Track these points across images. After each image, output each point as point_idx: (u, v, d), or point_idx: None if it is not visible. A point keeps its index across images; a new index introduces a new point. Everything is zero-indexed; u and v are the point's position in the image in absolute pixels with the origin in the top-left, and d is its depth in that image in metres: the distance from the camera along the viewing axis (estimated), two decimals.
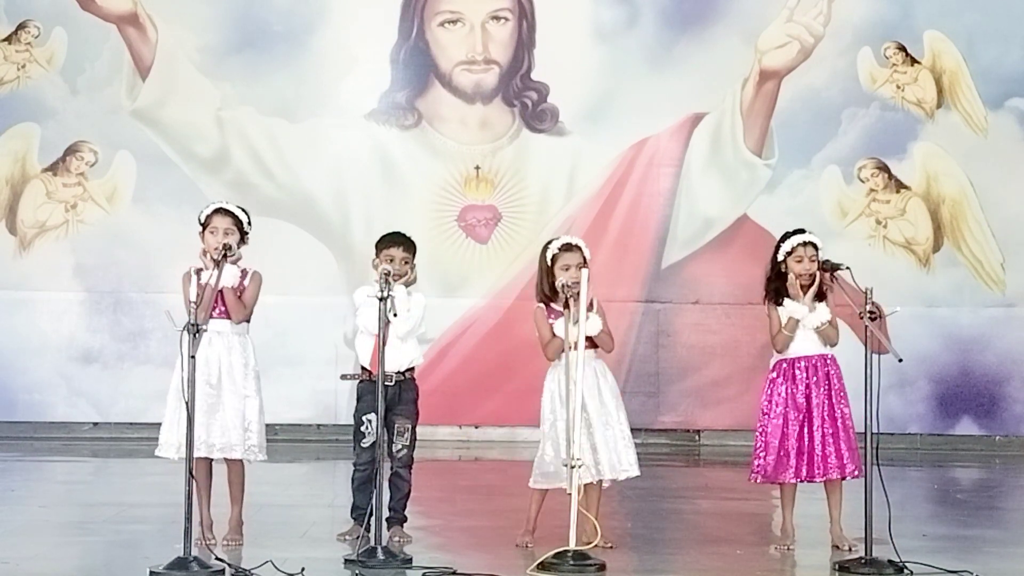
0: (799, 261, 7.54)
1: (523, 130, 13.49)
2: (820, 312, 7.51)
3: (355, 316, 7.74)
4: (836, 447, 7.51)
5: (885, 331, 7.28)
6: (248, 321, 7.49)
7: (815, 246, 7.56)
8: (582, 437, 7.19)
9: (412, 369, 7.73)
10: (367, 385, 7.60)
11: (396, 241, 7.76)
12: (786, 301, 7.56)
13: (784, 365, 7.62)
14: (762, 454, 7.60)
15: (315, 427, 12.97)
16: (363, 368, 7.68)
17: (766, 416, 7.61)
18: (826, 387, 7.56)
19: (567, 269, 7.42)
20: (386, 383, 7.35)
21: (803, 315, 7.51)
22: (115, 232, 13.19)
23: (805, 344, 7.59)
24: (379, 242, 7.80)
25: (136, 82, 13.26)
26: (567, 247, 7.50)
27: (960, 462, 12.67)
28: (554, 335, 7.41)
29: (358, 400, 7.73)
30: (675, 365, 13.38)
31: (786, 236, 7.64)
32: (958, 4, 13.63)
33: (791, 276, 7.54)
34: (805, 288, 7.54)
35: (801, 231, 7.63)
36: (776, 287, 7.63)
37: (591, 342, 7.35)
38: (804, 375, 7.57)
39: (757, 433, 7.64)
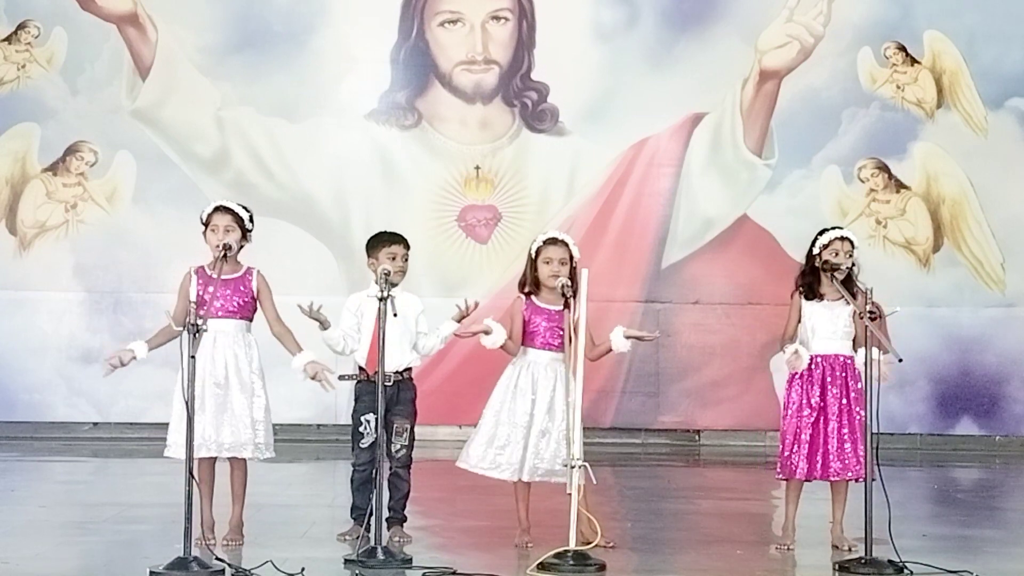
0: (835, 255, 7.58)
1: (523, 130, 13.49)
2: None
3: (332, 340, 7.71)
4: (854, 448, 7.51)
5: (885, 331, 7.29)
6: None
7: (852, 242, 7.62)
8: (516, 435, 7.42)
9: (410, 369, 7.74)
10: (365, 385, 7.61)
11: (396, 239, 7.75)
12: (798, 346, 7.58)
13: None
14: (781, 451, 7.64)
15: (315, 427, 12.97)
16: (360, 368, 7.68)
17: (786, 412, 7.64)
18: (843, 387, 7.57)
19: (548, 263, 7.49)
20: (385, 383, 7.35)
21: (801, 362, 7.54)
22: (115, 232, 13.20)
23: (825, 343, 7.60)
24: (376, 241, 7.76)
25: (136, 82, 13.26)
26: (551, 241, 7.58)
27: (960, 462, 12.68)
28: (511, 339, 7.51)
29: (356, 400, 7.72)
30: (675, 365, 13.38)
31: (823, 231, 7.70)
32: (958, 4, 13.64)
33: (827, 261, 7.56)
34: (836, 283, 7.57)
35: (839, 227, 7.75)
36: (809, 282, 7.66)
37: (562, 344, 7.39)
38: (820, 373, 7.59)
39: (781, 431, 7.69)
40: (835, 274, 7.50)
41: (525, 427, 7.47)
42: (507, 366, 7.67)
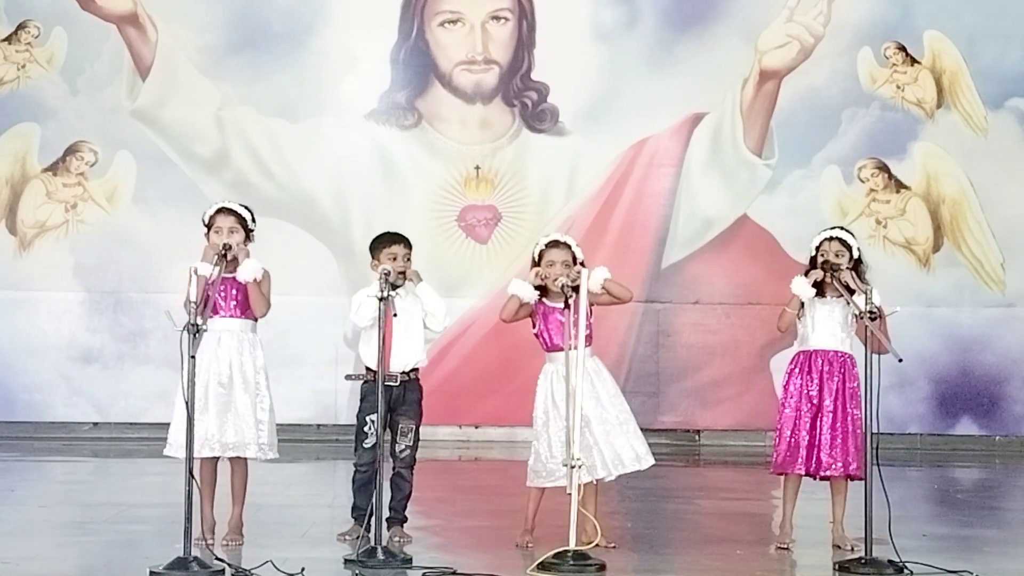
0: (824, 256, 7.61)
1: (523, 130, 13.49)
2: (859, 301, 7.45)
3: (353, 314, 7.69)
4: (844, 445, 7.52)
5: (885, 331, 7.29)
6: (264, 316, 7.53)
7: (841, 241, 7.62)
8: (580, 437, 7.22)
9: (416, 369, 7.73)
10: (371, 386, 7.59)
11: (397, 239, 7.76)
12: (795, 280, 7.60)
13: (801, 357, 7.68)
14: (777, 445, 7.65)
15: (315, 427, 12.98)
16: (368, 368, 7.67)
17: (783, 407, 7.65)
18: (840, 384, 7.58)
19: (551, 266, 7.48)
20: (391, 383, 7.36)
21: (806, 295, 7.53)
22: (115, 232, 13.20)
23: (825, 338, 7.61)
24: (377, 242, 7.78)
25: (136, 82, 13.26)
26: (553, 244, 7.58)
27: (960, 462, 12.68)
28: (512, 296, 7.49)
29: (362, 400, 7.71)
30: (675, 365, 13.38)
31: (822, 232, 7.74)
32: (958, 4, 13.64)
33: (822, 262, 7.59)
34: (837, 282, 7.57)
35: (837, 227, 7.78)
36: (815, 279, 7.67)
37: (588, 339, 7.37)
38: (819, 368, 7.60)
39: (776, 426, 7.69)
40: (837, 274, 7.51)
41: (586, 426, 7.37)
42: (539, 378, 7.56)
